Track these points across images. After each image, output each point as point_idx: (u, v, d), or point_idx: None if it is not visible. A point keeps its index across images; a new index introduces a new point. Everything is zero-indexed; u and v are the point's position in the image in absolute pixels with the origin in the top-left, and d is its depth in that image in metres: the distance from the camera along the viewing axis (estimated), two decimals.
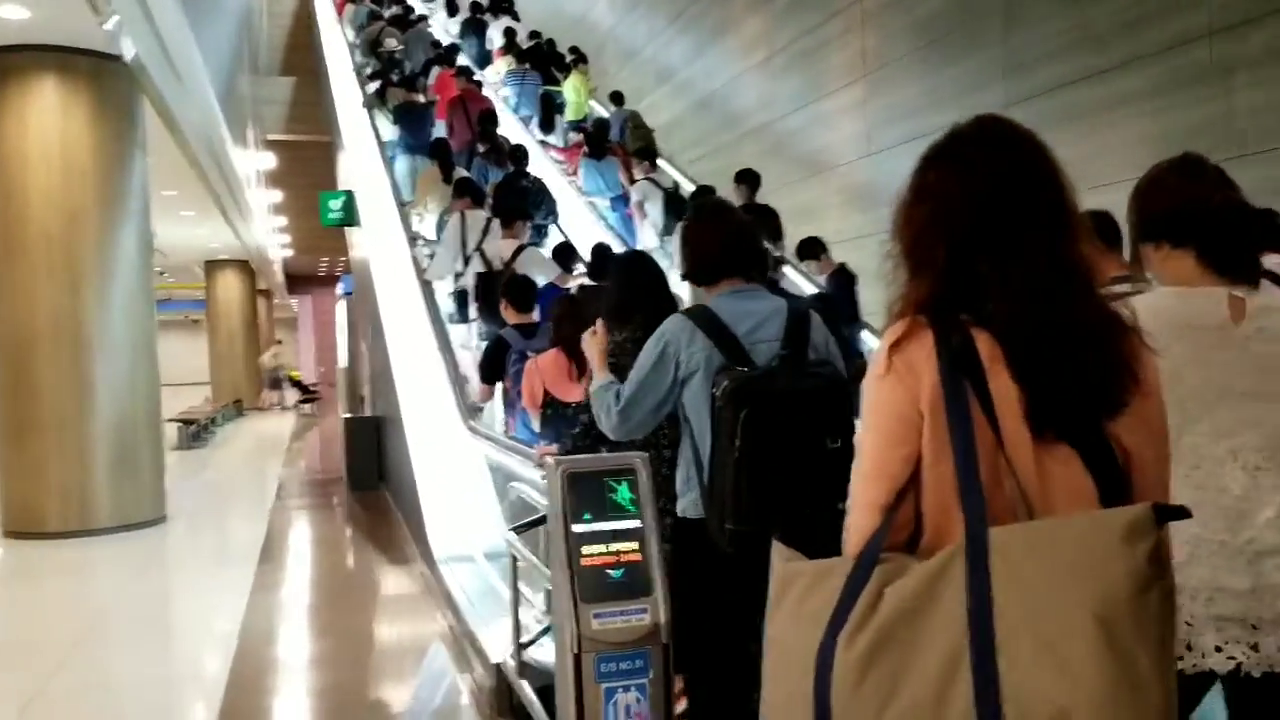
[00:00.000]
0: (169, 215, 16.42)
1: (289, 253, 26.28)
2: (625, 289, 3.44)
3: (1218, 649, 1.72)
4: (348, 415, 12.01)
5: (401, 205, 9.26)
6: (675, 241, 7.76)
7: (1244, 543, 1.72)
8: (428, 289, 7.50)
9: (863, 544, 1.31)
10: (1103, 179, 3.75)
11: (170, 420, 16.04)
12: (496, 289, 5.82)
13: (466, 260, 6.82)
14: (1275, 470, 1.74)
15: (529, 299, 5.39)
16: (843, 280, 7.27)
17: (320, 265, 29.08)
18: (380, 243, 9.31)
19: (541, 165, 10.47)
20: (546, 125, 11.24)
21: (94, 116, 8.23)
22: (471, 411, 5.81)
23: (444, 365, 6.51)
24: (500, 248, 6.74)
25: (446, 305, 7.48)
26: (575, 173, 10.27)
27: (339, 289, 22.57)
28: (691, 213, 2.85)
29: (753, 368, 2.49)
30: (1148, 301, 1.75)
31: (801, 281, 7.79)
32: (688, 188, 10.06)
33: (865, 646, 1.23)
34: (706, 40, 12.92)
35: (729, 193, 8.55)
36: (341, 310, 17.55)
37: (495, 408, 5.86)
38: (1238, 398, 1.74)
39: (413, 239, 8.57)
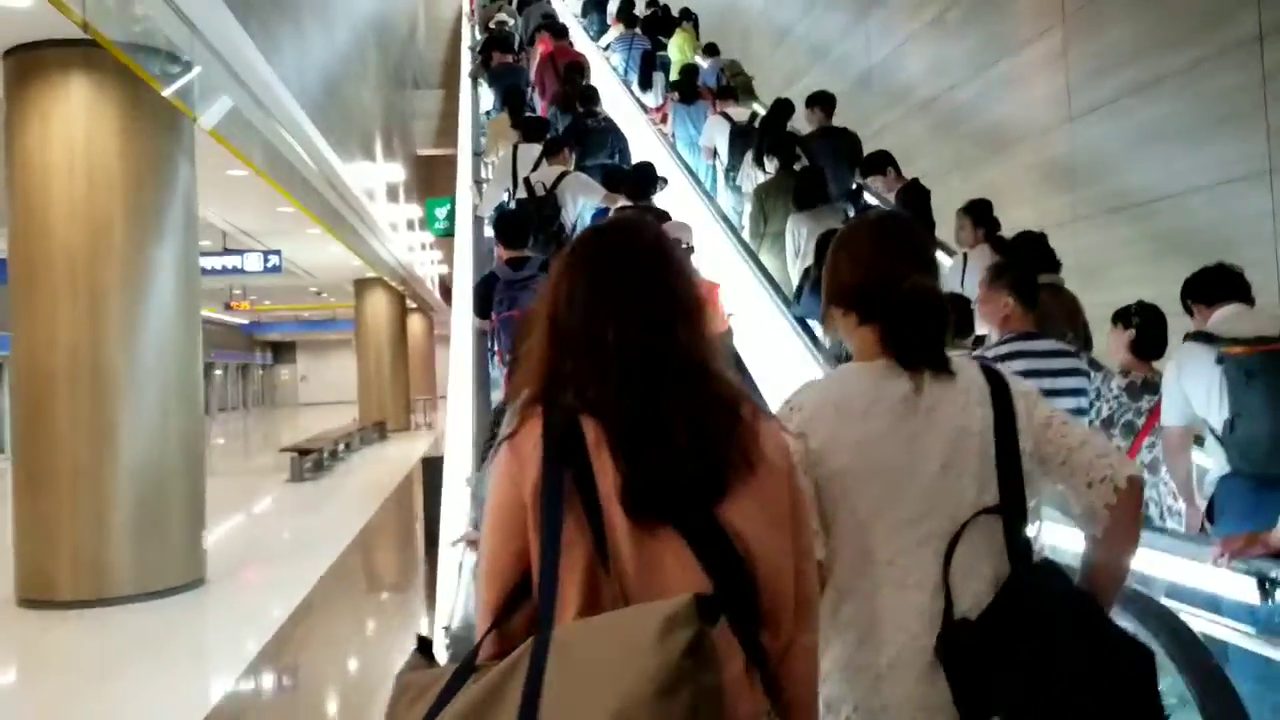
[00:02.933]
0: (296, 232, 15.77)
1: (445, 269, 25.65)
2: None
3: None
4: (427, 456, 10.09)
5: (476, 155, 9.43)
6: (745, 180, 7.63)
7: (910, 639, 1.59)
8: None
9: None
10: None
11: (284, 450, 15.47)
12: (529, 214, 6.01)
13: (514, 190, 6.78)
14: (969, 558, 1.61)
15: (519, 234, 5.39)
16: (913, 197, 6.45)
17: None
18: None
19: (635, 121, 10.03)
20: (645, 83, 10.87)
21: (125, 118, 7.06)
22: None
23: None
24: (545, 174, 6.55)
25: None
26: (665, 120, 9.74)
27: None
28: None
29: None
30: (832, 376, 1.78)
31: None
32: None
33: None
34: (864, 7, 11.02)
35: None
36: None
37: None
38: (923, 477, 1.65)
39: (477, 183, 8.59)
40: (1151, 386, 3.83)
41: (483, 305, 5.25)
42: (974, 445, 1.66)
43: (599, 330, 1.33)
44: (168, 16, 6.10)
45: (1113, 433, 3.85)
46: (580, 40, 12.35)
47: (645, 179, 6.41)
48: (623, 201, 6.26)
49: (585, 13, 14.03)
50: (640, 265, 1.38)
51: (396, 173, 17.55)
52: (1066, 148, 7.19)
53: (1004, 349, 3.53)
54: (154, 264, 7.16)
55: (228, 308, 25.91)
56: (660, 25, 12.08)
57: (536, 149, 6.89)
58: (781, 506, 1.33)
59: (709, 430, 1.29)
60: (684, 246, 5.38)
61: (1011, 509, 1.65)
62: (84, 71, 6.89)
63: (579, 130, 7.69)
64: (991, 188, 7.73)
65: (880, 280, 1.72)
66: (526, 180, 6.49)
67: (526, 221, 5.62)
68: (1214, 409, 3.22)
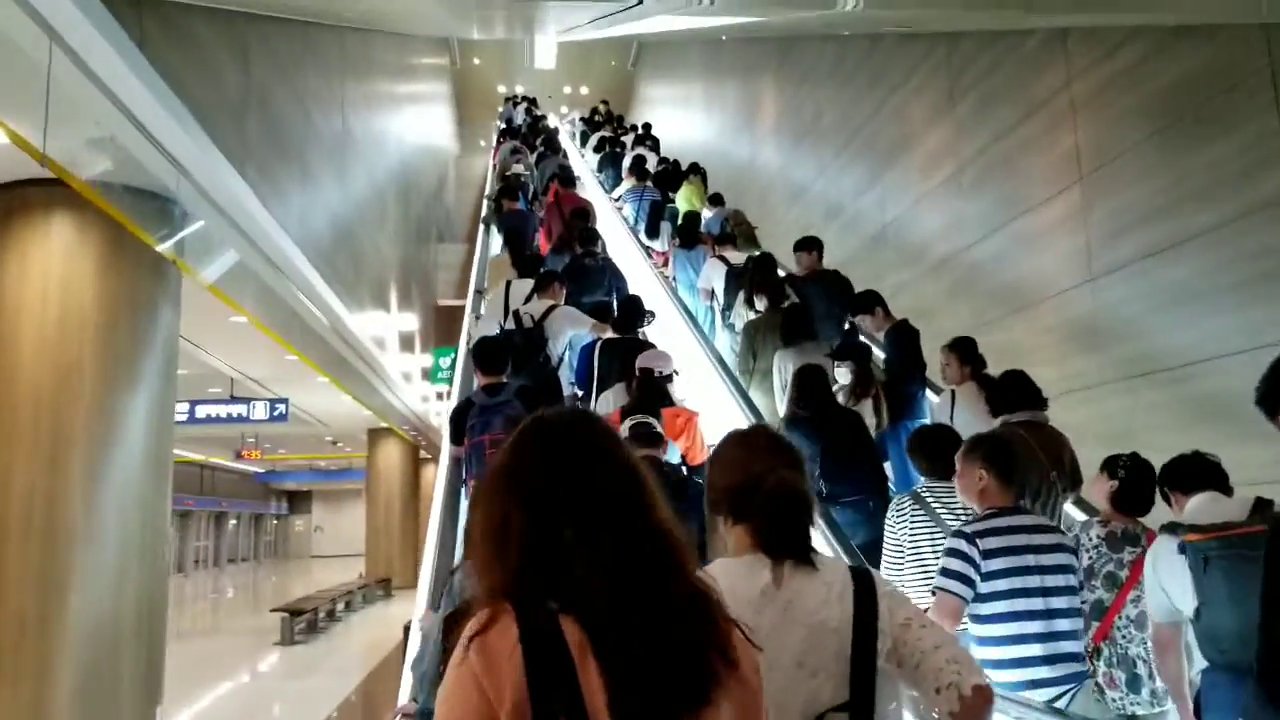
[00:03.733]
0: (305, 380, 15.58)
1: None
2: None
3: None
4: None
5: (478, 292, 9.86)
6: (737, 319, 7.84)
7: None
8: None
9: None
10: None
11: (275, 610, 14.75)
12: (513, 344, 6.14)
13: (504, 322, 6.90)
14: None
15: (494, 360, 5.45)
16: (902, 337, 6.60)
17: None
18: None
19: (640, 266, 10.59)
20: (652, 231, 11.40)
21: (105, 258, 6.84)
22: None
23: None
24: (534, 307, 6.70)
25: None
26: (667, 264, 10.19)
27: None
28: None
29: None
30: (704, 570, 1.65)
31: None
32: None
33: None
34: (879, 166, 10.93)
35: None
36: None
37: None
38: (777, 672, 1.68)
39: (477, 318, 8.96)
40: (1132, 538, 3.77)
41: (456, 431, 5.24)
42: (832, 643, 1.71)
43: (592, 505, 1.29)
44: (149, 154, 5.92)
45: (1094, 584, 3.75)
46: (594, 194, 12.72)
47: (633, 311, 6.67)
48: (610, 333, 6.45)
49: (601, 168, 14.53)
50: (602, 449, 1.37)
51: (411, 322, 17.44)
52: (1089, 308, 6.80)
53: (982, 525, 3.44)
54: (124, 411, 6.81)
55: (239, 456, 25.63)
56: (670, 179, 12.50)
57: (529, 284, 7.09)
58: (757, 713, 1.31)
59: (698, 629, 1.27)
60: (662, 374, 5.47)
61: (859, 709, 1.68)
62: (67, 210, 6.72)
63: (575, 268, 7.84)
64: (1012, 348, 7.34)
65: (746, 481, 1.83)
66: (515, 313, 6.59)
67: (503, 347, 5.66)
68: (1188, 601, 3.12)
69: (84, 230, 6.74)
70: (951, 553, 3.39)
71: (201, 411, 15.91)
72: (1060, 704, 3.26)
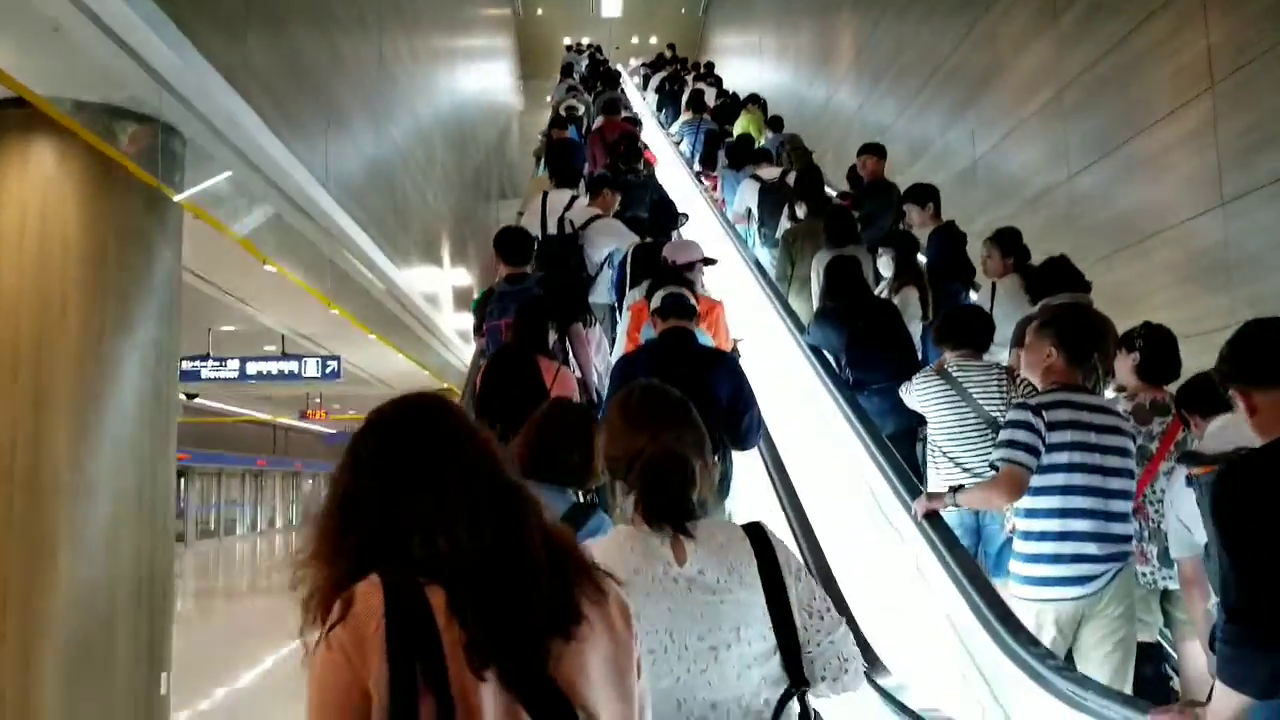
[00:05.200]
0: (357, 337, 15.01)
1: None
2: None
3: None
4: None
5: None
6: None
7: None
8: None
9: None
10: None
11: None
12: (552, 248, 6.20)
13: (544, 228, 6.72)
14: None
15: (517, 250, 5.41)
16: (947, 239, 6.28)
17: None
18: None
19: (693, 195, 10.40)
20: (708, 161, 11.07)
21: (90, 183, 6.13)
22: None
23: None
24: (578, 213, 6.59)
25: None
26: (716, 187, 10.03)
27: None
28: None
29: None
30: (604, 542, 1.80)
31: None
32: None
33: None
34: (967, 96, 9.89)
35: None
36: None
37: None
38: (691, 649, 1.69)
39: None
40: (1161, 408, 3.73)
41: (478, 321, 5.27)
42: (741, 617, 1.71)
43: (434, 473, 1.31)
44: (122, 63, 5.21)
45: None
46: (653, 133, 12.39)
47: (664, 213, 6.76)
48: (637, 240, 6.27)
49: (660, 106, 14.39)
50: (454, 426, 1.39)
51: (467, 279, 16.79)
52: (1217, 238, 5.76)
53: (1047, 398, 3.45)
54: (117, 354, 6.15)
55: (303, 416, 25.41)
56: (729, 111, 12.31)
57: (567, 194, 6.91)
58: (630, 676, 1.32)
59: (549, 579, 1.28)
60: (698, 261, 5.27)
61: (791, 666, 1.71)
62: (47, 134, 6.00)
63: (618, 184, 7.51)
64: (1122, 290, 6.36)
65: (626, 448, 1.85)
66: (559, 219, 6.46)
67: (527, 238, 5.53)
68: (1204, 535, 2.91)
69: (66, 156, 6.05)
70: (1016, 424, 3.37)
71: (252, 369, 15.45)
72: (1099, 584, 3.27)
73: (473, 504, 1.27)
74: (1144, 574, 3.62)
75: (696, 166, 11.09)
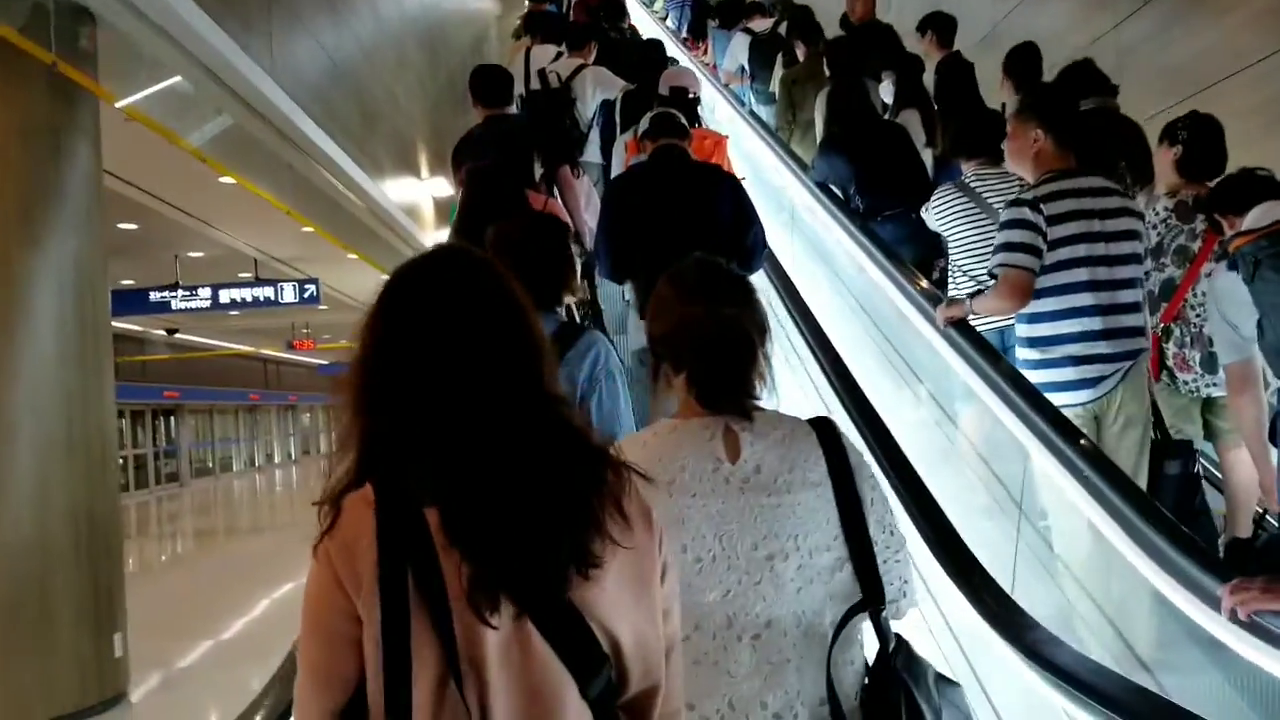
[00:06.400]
0: (332, 260, 14.13)
1: None
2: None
3: None
4: None
5: None
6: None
7: None
8: None
9: None
10: None
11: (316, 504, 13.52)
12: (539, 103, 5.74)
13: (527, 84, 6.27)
14: (775, 651, 1.51)
15: (494, 89, 4.86)
16: (953, 70, 5.92)
17: None
18: None
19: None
20: (696, 30, 10.62)
21: None
22: None
23: None
24: (562, 66, 6.18)
25: None
26: (706, 52, 9.64)
27: None
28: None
29: None
30: (644, 435, 1.66)
31: None
32: None
33: None
34: None
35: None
36: None
37: None
38: (743, 558, 1.52)
39: None
40: (1204, 205, 3.45)
41: (454, 167, 4.89)
42: (801, 524, 1.54)
43: (434, 378, 1.14)
44: None
45: (1163, 261, 3.53)
46: (637, 11, 11.78)
47: (651, 56, 6.43)
48: (627, 86, 5.93)
49: None
50: (478, 295, 1.19)
51: (447, 191, 15.82)
52: None
53: (1043, 190, 3.21)
54: (28, 271, 5.29)
55: (290, 346, 24.57)
56: None
57: (552, 49, 6.46)
58: (652, 586, 1.19)
59: (577, 501, 1.13)
60: (691, 95, 5.16)
61: (867, 582, 1.54)
62: None
63: (602, 44, 7.00)
64: None
65: (678, 321, 1.65)
66: (541, 72, 6.00)
67: (505, 75, 5.06)
68: (1252, 320, 2.61)
69: None
70: (1012, 224, 3.18)
71: (226, 296, 14.50)
72: (1110, 383, 3.11)
73: (492, 411, 1.11)
74: (1185, 381, 3.46)
75: (684, 34, 10.74)
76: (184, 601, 10.63)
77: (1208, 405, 3.50)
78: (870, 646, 1.61)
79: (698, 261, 1.74)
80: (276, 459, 37.77)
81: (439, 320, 1.15)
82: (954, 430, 4.20)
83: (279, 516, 20.94)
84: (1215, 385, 3.38)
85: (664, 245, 3.39)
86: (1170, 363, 3.48)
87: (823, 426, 1.62)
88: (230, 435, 33.28)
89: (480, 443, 1.10)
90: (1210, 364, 3.33)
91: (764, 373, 1.64)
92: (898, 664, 1.55)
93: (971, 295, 3.61)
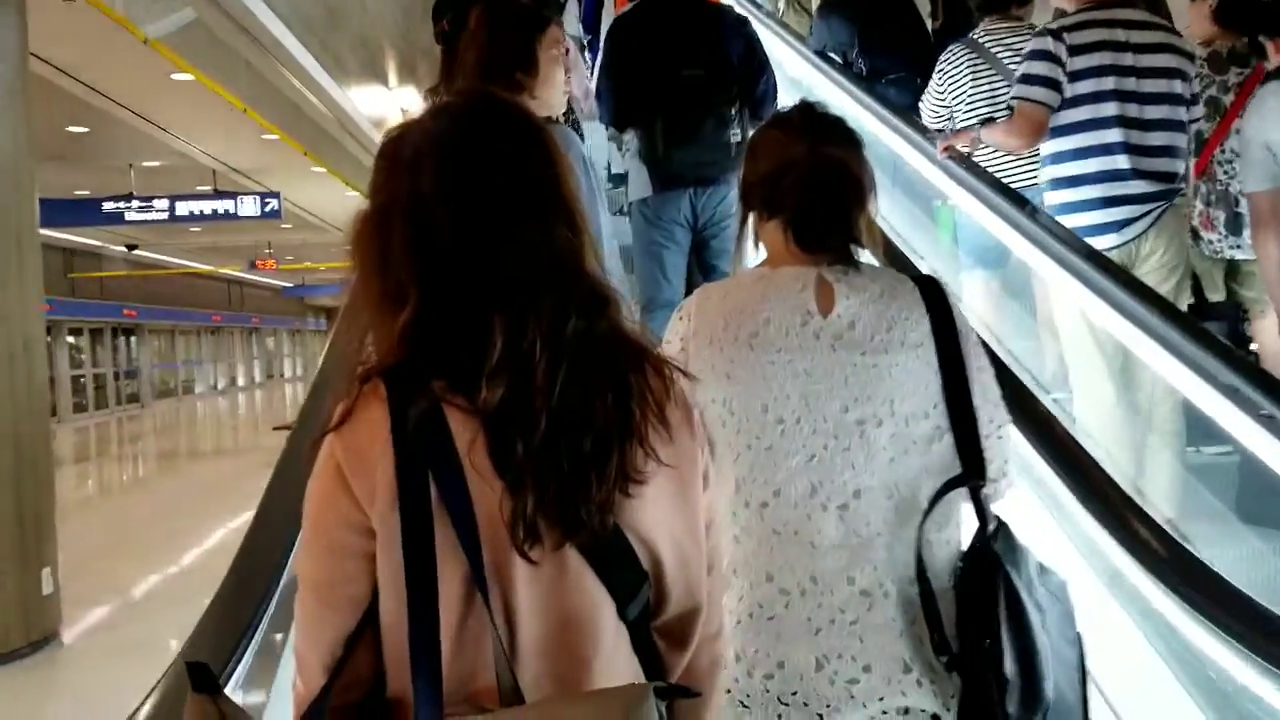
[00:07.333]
0: (298, 170, 13.38)
1: None
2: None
3: None
4: None
5: None
6: None
7: (815, 607, 1.39)
8: None
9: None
10: None
11: (279, 429, 13.11)
12: None
13: None
14: (864, 524, 1.40)
15: None
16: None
17: None
18: None
19: None
20: None
21: None
22: None
23: None
24: None
25: None
26: None
27: None
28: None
29: None
30: (726, 285, 1.53)
31: None
32: None
33: None
34: None
35: None
36: None
37: None
38: (831, 421, 1.40)
39: None
40: (1240, 57, 3.33)
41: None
42: (897, 387, 1.41)
43: (501, 242, 0.97)
44: None
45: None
46: None
47: None
48: None
49: None
50: (534, 152, 1.02)
51: (417, 100, 15.04)
52: None
53: (1071, 19, 3.02)
54: None
55: (253, 266, 23.74)
56: None
57: None
58: (695, 496, 1.06)
59: (625, 412, 0.99)
60: None
61: (967, 455, 1.41)
62: None
63: None
64: None
65: (778, 160, 1.51)
66: None
67: None
68: None
69: None
70: (1032, 54, 3.03)
71: (183, 209, 13.73)
72: (1141, 225, 2.94)
73: (547, 303, 0.95)
74: (1209, 241, 3.34)
75: None
76: (136, 528, 10.09)
77: (1232, 273, 3.38)
78: (967, 526, 1.47)
79: (801, 103, 1.59)
80: (240, 382, 37.07)
81: (490, 192, 0.98)
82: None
83: (241, 439, 20.64)
84: (1239, 248, 3.26)
85: (669, 89, 3.23)
86: (1196, 222, 3.35)
87: (928, 284, 1.48)
88: (193, 357, 32.53)
89: (531, 338, 0.94)
90: (1235, 225, 3.22)
91: (871, 224, 1.50)
92: (997, 548, 1.42)
93: (983, 122, 3.45)
